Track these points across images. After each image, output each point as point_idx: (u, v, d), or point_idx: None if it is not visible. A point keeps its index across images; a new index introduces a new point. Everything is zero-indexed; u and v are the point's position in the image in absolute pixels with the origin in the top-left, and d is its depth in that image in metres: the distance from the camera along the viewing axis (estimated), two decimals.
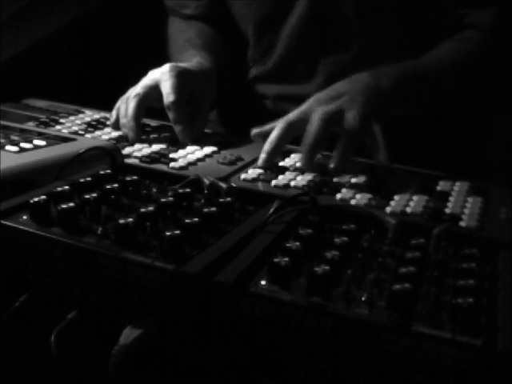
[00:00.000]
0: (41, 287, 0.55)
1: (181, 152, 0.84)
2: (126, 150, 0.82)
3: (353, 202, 0.70)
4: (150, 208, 0.57)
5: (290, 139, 0.81)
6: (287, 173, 0.78)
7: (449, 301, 0.48)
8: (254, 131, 0.85)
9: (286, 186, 0.74)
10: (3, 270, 0.57)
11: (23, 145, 0.73)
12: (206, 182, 0.67)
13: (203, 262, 0.51)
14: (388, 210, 0.68)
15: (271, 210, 0.59)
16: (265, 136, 0.82)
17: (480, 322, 0.46)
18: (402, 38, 0.98)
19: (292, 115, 0.80)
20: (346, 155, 0.78)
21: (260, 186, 0.74)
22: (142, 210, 0.57)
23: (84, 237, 0.54)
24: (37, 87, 1.47)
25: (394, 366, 0.44)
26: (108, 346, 0.49)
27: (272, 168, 0.79)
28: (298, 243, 0.52)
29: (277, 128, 0.79)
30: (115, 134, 0.91)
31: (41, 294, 0.56)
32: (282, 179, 0.75)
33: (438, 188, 0.76)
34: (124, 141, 0.87)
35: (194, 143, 0.88)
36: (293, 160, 0.83)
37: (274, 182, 0.74)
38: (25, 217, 0.57)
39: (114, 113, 0.93)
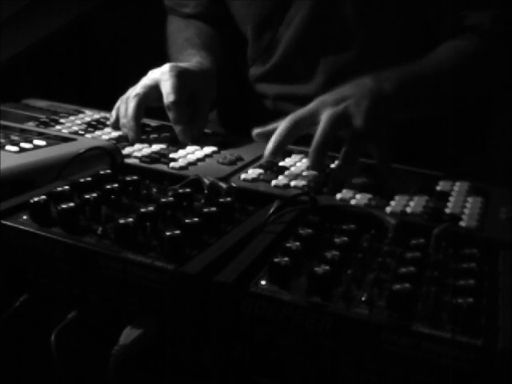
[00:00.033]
0: (41, 287, 0.55)
1: (181, 152, 0.84)
2: (126, 150, 0.82)
3: (353, 202, 0.70)
4: (150, 208, 0.57)
5: (296, 137, 0.81)
6: (286, 172, 0.78)
7: (449, 301, 0.48)
8: (256, 131, 0.84)
9: (286, 185, 0.74)
10: (3, 269, 0.57)
11: (23, 145, 0.73)
12: (206, 181, 0.67)
13: (203, 261, 0.51)
14: (388, 209, 0.68)
15: (271, 210, 0.59)
16: (267, 136, 0.82)
17: (480, 322, 0.46)
18: (401, 38, 0.98)
19: (298, 113, 0.80)
20: (353, 159, 0.78)
21: (260, 186, 0.74)
22: (142, 210, 0.57)
23: (84, 237, 0.54)
24: (37, 87, 1.48)
25: (394, 366, 0.44)
26: (108, 346, 0.49)
27: (272, 168, 0.79)
28: (297, 243, 0.52)
29: (283, 124, 0.79)
30: (115, 133, 0.91)
31: (41, 294, 0.56)
32: (282, 179, 0.75)
33: (438, 188, 0.76)
34: (124, 141, 0.87)
35: (194, 143, 0.88)
36: (293, 160, 0.83)
37: (273, 182, 0.74)
38: (25, 217, 0.57)
39: (113, 113, 0.93)
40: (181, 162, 0.78)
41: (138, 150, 0.83)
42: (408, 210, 0.68)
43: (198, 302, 0.50)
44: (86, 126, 0.93)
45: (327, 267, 0.48)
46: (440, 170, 0.83)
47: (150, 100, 0.91)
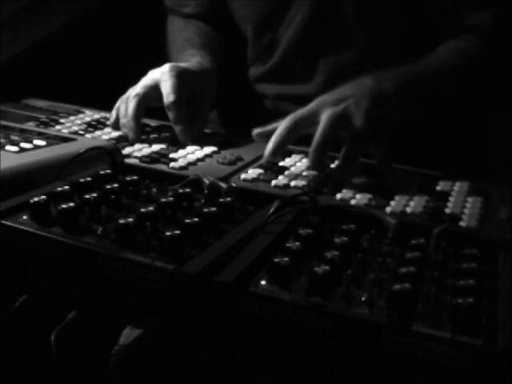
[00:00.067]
0: (41, 287, 0.55)
1: (181, 152, 0.84)
2: (126, 150, 0.82)
3: (353, 202, 0.70)
4: (150, 208, 0.57)
5: (296, 137, 0.81)
6: (286, 172, 0.78)
7: (449, 301, 0.48)
8: (256, 131, 0.84)
9: (286, 185, 0.74)
10: (3, 269, 0.57)
11: (23, 145, 0.73)
12: (206, 181, 0.67)
13: (203, 261, 0.51)
14: (388, 210, 0.68)
15: (271, 210, 0.59)
16: (267, 136, 0.82)
17: (480, 322, 0.46)
18: (401, 38, 0.98)
19: (298, 113, 0.80)
20: (353, 159, 0.78)
21: (260, 186, 0.74)
22: (142, 209, 0.57)
23: (84, 237, 0.54)
24: (37, 87, 1.47)
25: (394, 366, 0.44)
26: (108, 346, 0.49)
27: (272, 168, 0.79)
28: (298, 243, 0.52)
29: (283, 123, 0.79)
30: (115, 133, 0.91)
31: (41, 294, 0.56)
32: (282, 179, 0.75)
33: (438, 188, 0.76)
34: (124, 141, 0.87)
35: (194, 143, 0.88)
36: (293, 160, 0.83)
37: (273, 182, 0.74)
38: (25, 217, 0.57)
39: (113, 113, 0.93)
40: (181, 162, 0.78)
41: (138, 150, 0.83)
42: (408, 209, 0.68)
43: (198, 301, 0.50)
44: (86, 126, 0.93)
45: (327, 267, 0.48)
46: (440, 170, 0.83)
47: (150, 100, 0.91)
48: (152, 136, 0.90)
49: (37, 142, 0.75)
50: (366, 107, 0.77)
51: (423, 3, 0.96)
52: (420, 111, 0.90)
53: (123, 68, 1.58)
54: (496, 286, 0.51)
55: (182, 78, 0.90)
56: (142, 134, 0.89)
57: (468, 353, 0.43)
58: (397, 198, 0.71)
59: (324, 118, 0.77)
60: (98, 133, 0.91)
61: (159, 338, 0.51)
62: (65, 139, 0.78)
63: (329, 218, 0.60)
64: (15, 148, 0.72)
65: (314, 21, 0.99)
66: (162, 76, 0.90)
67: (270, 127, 0.83)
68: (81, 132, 0.90)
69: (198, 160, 0.81)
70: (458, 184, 0.77)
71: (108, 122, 0.95)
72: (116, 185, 0.62)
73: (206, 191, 0.66)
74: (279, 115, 0.83)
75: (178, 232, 0.53)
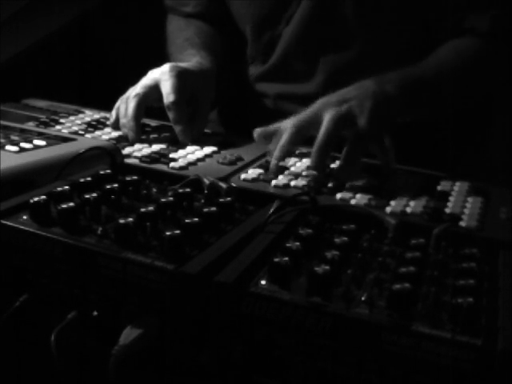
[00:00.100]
0: (41, 287, 0.55)
1: (181, 152, 0.84)
2: (126, 150, 0.82)
3: (353, 201, 0.70)
4: (150, 208, 0.57)
5: (300, 142, 0.81)
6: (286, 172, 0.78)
7: (449, 301, 0.48)
8: (257, 132, 0.84)
9: (286, 185, 0.74)
10: (3, 270, 0.57)
11: (23, 145, 0.73)
12: (206, 182, 0.67)
13: (203, 261, 0.51)
14: (388, 210, 0.68)
15: (271, 210, 0.59)
16: (268, 136, 0.82)
17: (480, 322, 0.46)
18: (401, 38, 0.98)
19: (300, 118, 0.80)
20: (355, 159, 0.78)
21: (260, 186, 0.74)
22: (142, 209, 0.57)
23: (84, 237, 0.54)
24: (37, 87, 1.47)
25: (394, 366, 0.44)
26: (108, 346, 0.49)
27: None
28: (298, 243, 0.52)
29: (286, 134, 0.78)
30: (115, 134, 0.91)
31: (41, 294, 0.56)
32: (282, 179, 0.75)
33: (438, 188, 0.76)
34: (124, 141, 0.87)
35: (194, 143, 0.88)
36: (293, 160, 0.83)
37: (274, 182, 0.74)
38: (25, 217, 0.57)
39: (113, 113, 0.93)
40: (181, 162, 0.78)
41: (138, 150, 0.83)
42: (408, 209, 0.68)
43: (198, 301, 0.50)
44: (86, 126, 0.93)
45: (327, 267, 0.48)
46: (440, 170, 0.83)
47: (150, 100, 0.91)
48: (152, 136, 0.90)
49: (37, 142, 0.75)
50: (369, 108, 0.77)
51: (423, 4, 0.96)
52: (421, 113, 0.91)
53: (123, 68, 1.58)
54: (496, 286, 0.51)
55: (181, 78, 0.90)
56: (141, 134, 0.89)
57: (468, 353, 0.43)
58: (397, 198, 0.71)
59: (327, 118, 0.77)
60: (98, 133, 0.91)
61: (159, 337, 0.51)
62: (65, 139, 0.78)
63: (329, 218, 0.60)
64: (15, 148, 0.72)
65: (313, 20, 0.99)
66: (161, 76, 0.90)
67: (271, 128, 0.83)
68: (81, 132, 0.90)
69: (198, 160, 0.81)
70: (457, 184, 0.77)
71: (108, 122, 0.95)
72: (116, 185, 0.62)
73: (206, 191, 0.66)
74: (279, 114, 0.83)
75: (177, 232, 0.53)
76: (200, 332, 0.50)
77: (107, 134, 0.90)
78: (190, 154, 0.83)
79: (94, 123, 0.95)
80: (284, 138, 0.78)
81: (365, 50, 0.98)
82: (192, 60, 0.99)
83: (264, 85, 1.08)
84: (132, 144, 0.86)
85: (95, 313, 0.53)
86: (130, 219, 0.54)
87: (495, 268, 0.55)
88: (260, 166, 0.80)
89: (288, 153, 0.79)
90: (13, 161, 0.68)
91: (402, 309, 0.46)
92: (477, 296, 0.47)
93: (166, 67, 0.91)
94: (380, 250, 0.56)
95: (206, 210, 0.58)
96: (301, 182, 0.74)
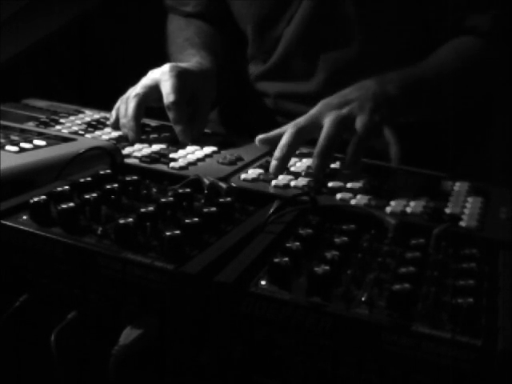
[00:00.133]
0: (41, 287, 0.55)
1: (181, 152, 0.84)
2: (126, 150, 0.82)
3: (353, 202, 0.70)
4: (150, 208, 0.57)
5: (300, 146, 0.81)
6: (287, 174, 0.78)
7: (449, 301, 0.48)
8: (259, 137, 0.84)
9: (286, 186, 0.74)
10: (3, 269, 0.57)
11: (23, 145, 0.73)
12: (206, 182, 0.67)
13: (203, 261, 0.51)
14: (388, 209, 0.68)
15: (271, 210, 0.59)
16: (270, 142, 0.81)
17: (480, 322, 0.46)
18: (401, 37, 0.98)
19: (301, 120, 0.80)
20: (357, 159, 0.78)
21: (260, 185, 0.74)
22: (142, 210, 0.57)
23: (84, 237, 0.54)
24: (37, 87, 1.47)
25: (394, 366, 0.44)
26: (108, 345, 0.49)
27: None
28: (298, 243, 0.52)
29: (286, 134, 0.78)
30: (115, 134, 0.91)
31: (41, 294, 0.56)
32: (282, 179, 0.75)
33: (438, 188, 0.76)
34: (124, 141, 0.87)
35: (194, 143, 0.88)
36: (293, 160, 0.83)
37: (274, 182, 0.74)
38: (25, 217, 0.57)
39: (113, 113, 0.93)
40: (181, 162, 0.78)
41: (138, 150, 0.83)
42: (408, 209, 0.68)
43: (198, 302, 0.50)
44: (86, 126, 0.93)
45: (327, 267, 0.48)
46: (440, 170, 0.83)
47: (150, 100, 0.91)
48: (152, 136, 0.90)
49: (37, 142, 0.75)
50: (370, 108, 0.77)
51: (423, 3, 0.96)
52: (422, 113, 0.91)
53: (123, 68, 1.58)
54: (496, 286, 0.51)
55: (182, 78, 0.90)
56: (141, 133, 0.89)
57: (468, 353, 0.43)
58: (397, 198, 0.71)
59: (328, 121, 0.77)
60: (98, 133, 0.91)
61: (159, 338, 0.51)
62: (65, 139, 0.78)
63: (329, 218, 0.60)
64: (15, 148, 0.72)
65: (314, 20, 0.99)
66: (162, 76, 0.90)
67: (273, 133, 0.83)
68: (81, 132, 0.90)
69: (198, 160, 0.81)
70: (458, 184, 0.77)
71: (108, 122, 0.95)
72: (116, 185, 0.62)
73: (205, 191, 0.66)
74: (280, 114, 0.83)
75: (177, 232, 0.53)
76: (200, 332, 0.50)
77: (107, 134, 0.90)
78: (190, 154, 0.83)
79: (94, 123, 0.95)
80: (283, 141, 0.78)
81: (365, 50, 0.98)
82: (192, 60, 0.99)
83: (264, 84, 1.08)
84: (132, 144, 0.86)
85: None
86: (130, 219, 0.54)
87: (495, 268, 0.55)
88: (260, 166, 0.80)
89: (289, 155, 0.79)
90: (13, 161, 0.68)
91: (402, 309, 0.46)
92: (477, 296, 0.47)
93: (166, 67, 0.91)
94: (380, 250, 0.56)
95: (206, 210, 0.58)
96: (301, 182, 0.74)
